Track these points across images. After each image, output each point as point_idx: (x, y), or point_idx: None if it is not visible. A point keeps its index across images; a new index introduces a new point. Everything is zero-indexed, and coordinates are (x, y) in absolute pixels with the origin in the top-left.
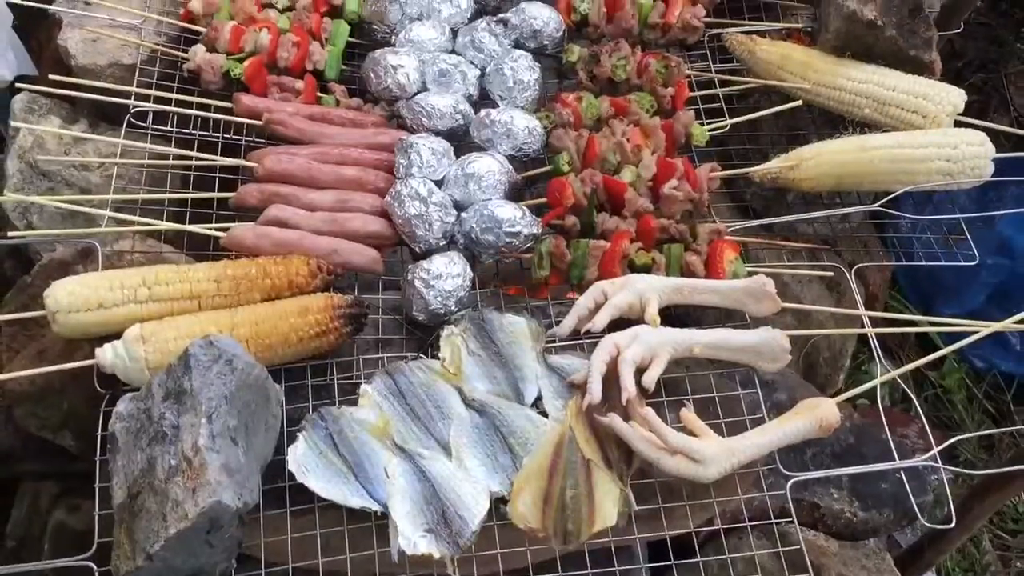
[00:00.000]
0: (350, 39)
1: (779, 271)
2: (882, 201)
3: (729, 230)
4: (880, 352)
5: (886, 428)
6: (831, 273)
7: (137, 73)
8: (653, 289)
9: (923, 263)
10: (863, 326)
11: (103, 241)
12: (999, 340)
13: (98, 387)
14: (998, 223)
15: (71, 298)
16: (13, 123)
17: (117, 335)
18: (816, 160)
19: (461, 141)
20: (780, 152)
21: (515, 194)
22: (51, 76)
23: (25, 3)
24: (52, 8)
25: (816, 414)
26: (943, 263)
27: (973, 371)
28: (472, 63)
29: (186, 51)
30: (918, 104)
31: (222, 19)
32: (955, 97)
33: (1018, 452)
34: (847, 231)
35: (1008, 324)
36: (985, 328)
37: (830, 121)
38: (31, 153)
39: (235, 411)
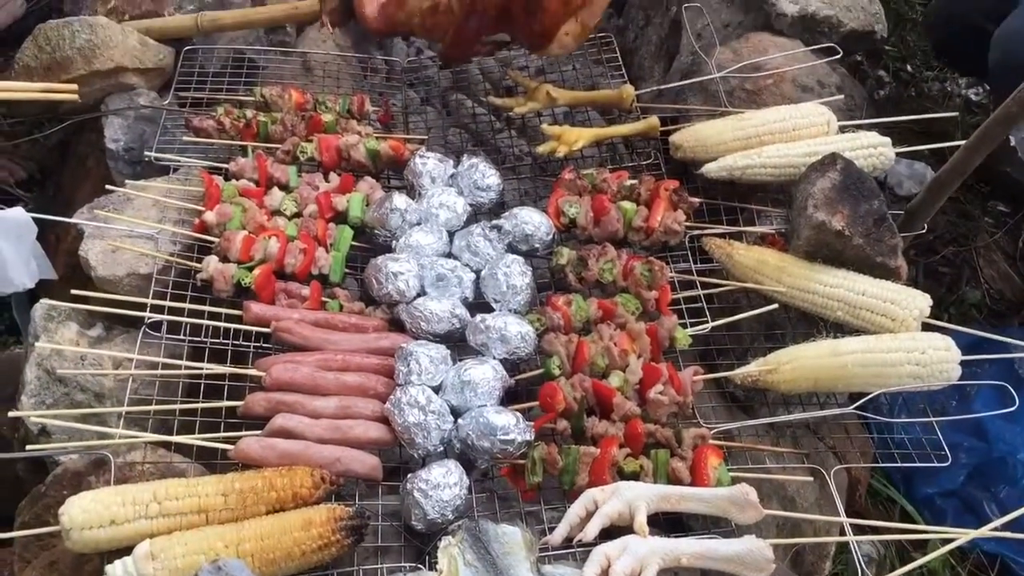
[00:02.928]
0: (353, 242)
1: (761, 476)
2: (856, 404)
3: (713, 432)
4: (861, 559)
5: None
6: (811, 478)
7: (153, 283)
8: (641, 498)
9: (898, 464)
10: (844, 531)
11: (116, 451)
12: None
13: None
14: (973, 405)
15: (85, 515)
16: (33, 331)
17: (127, 549)
18: (792, 365)
19: (458, 342)
20: (760, 350)
21: (508, 396)
22: (73, 292)
23: (48, 218)
24: (74, 220)
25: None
26: (917, 464)
27: (958, 550)
28: (468, 266)
29: (199, 260)
30: (887, 308)
31: (234, 229)
32: (921, 302)
33: None
34: (829, 417)
35: (984, 531)
36: (963, 535)
37: (806, 319)
38: (49, 361)
39: None
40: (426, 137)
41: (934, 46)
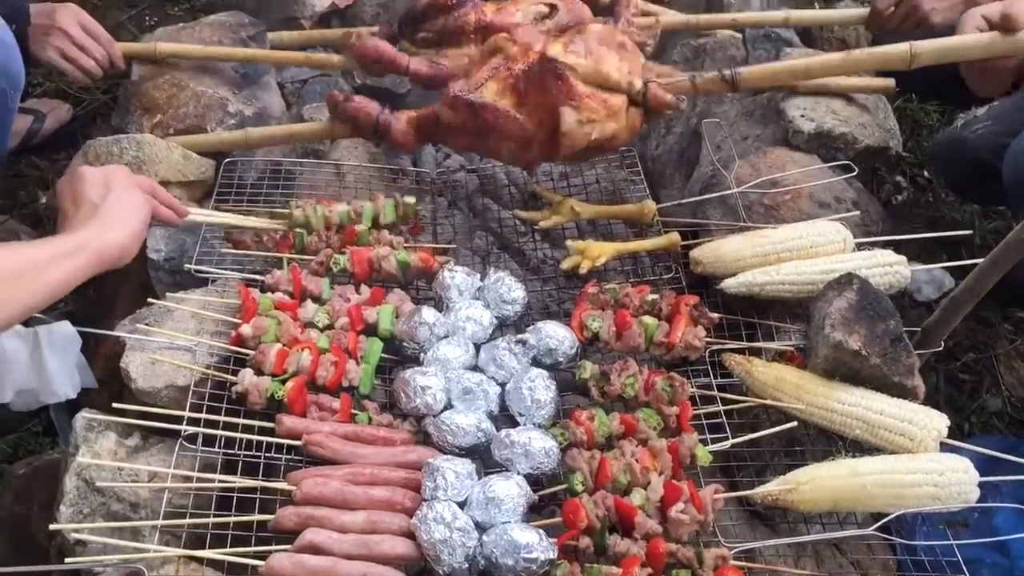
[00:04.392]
0: (382, 354)
1: None
2: (876, 526)
3: (733, 552)
4: None
5: None
6: None
7: (190, 395)
8: None
9: None
10: None
11: (150, 565)
12: None
13: None
14: (994, 519)
15: None
16: (74, 441)
17: None
18: (811, 485)
19: (483, 455)
20: (779, 466)
21: (531, 508)
22: (114, 405)
23: (93, 331)
24: (116, 333)
25: None
26: None
27: None
28: (493, 379)
29: (235, 372)
30: (905, 428)
31: (268, 342)
32: (939, 422)
33: None
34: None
35: None
36: None
37: (825, 435)
38: (88, 471)
39: None
40: (453, 246)
41: (944, 180)
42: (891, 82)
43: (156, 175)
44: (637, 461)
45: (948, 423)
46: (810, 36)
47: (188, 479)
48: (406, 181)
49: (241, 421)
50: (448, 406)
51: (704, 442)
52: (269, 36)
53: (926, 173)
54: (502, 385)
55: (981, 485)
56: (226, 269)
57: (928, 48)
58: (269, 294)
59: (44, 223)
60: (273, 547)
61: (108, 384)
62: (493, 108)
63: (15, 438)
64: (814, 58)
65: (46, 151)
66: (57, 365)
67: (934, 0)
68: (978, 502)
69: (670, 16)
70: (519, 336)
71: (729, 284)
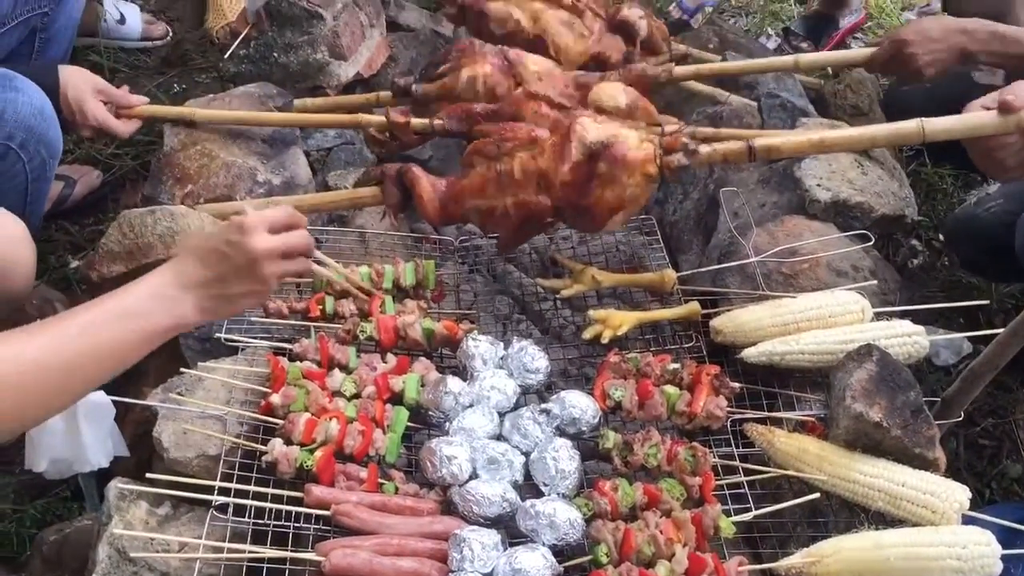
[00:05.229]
0: (408, 423)
1: None
2: None
3: None
4: None
5: None
6: None
7: (221, 464)
8: None
9: None
10: None
11: None
12: None
13: None
14: None
15: None
16: (107, 511)
17: None
18: (835, 557)
19: (508, 525)
20: (802, 537)
21: None
22: (148, 475)
23: (126, 400)
24: (149, 403)
25: None
26: None
27: None
28: (518, 448)
29: (264, 441)
30: (927, 500)
31: (297, 410)
32: (960, 495)
33: None
34: None
35: None
36: None
37: (848, 506)
38: (120, 541)
39: None
40: (475, 311)
41: (959, 257)
42: None
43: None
44: (661, 532)
45: (969, 495)
46: (824, 103)
47: (218, 549)
48: (428, 247)
49: (271, 491)
50: (473, 475)
51: (727, 513)
52: (295, 103)
53: (941, 237)
54: (526, 454)
55: (1003, 557)
56: (255, 337)
57: (939, 126)
58: (297, 363)
59: (75, 288)
60: None
61: (136, 451)
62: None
63: (44, 503)
64: (831, 132)
65: (76, 216)
66: (92, 434)
67: (926, 53)
68: (1001, 574)
69: (681, 68)
70: (543, 405)
71: (750, 354)
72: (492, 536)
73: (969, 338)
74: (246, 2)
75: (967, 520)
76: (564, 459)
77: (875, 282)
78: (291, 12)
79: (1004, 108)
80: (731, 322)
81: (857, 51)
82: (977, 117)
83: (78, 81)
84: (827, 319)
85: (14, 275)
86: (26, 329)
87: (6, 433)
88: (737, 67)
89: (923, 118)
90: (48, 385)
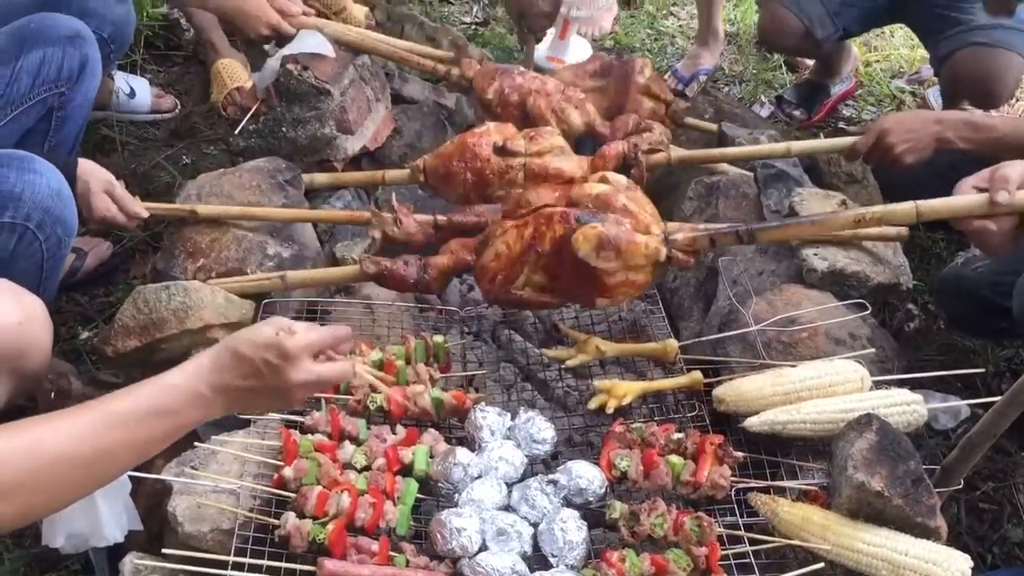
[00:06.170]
0: (417, 494)
1: None
2: None
3: None
4: None
5: None
6: None
7: (235, 539)
8: None
9: None
10: None
11: None
12: None
13: None
14: None
15: None
16: None
17: None
18: None
19: None
20: None
21: None
22: (164, 551)
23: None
24: (164, 477)
25: None
26: None
27: None
28: (526, 519)
29: (276, 515)
30: (929, 569)
31: (309, 483)
32: (962, 563)
33: None
34: None
35: None
36: None
37: (852, 575)
38: None
39: None
40: (482, 372)
41: (947, 316)
42: (904, 231)
43: (201, 319)
44: None
45: (971, 564)
46: (819, 172)
47: None
48: (433, 315)
49: (284, 565)
50: (483, 547)
51: None
52: (304, 178)
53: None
54: (534, 525)
55: None
56: None
57: (931, 207)
58: (309, 435)
59: (85, 358)
60: None
61: (148, 524)
62: (529, 300)
63: None
64: (826, 218)
65: (86, 287)
66: (108, 509)
67: (904, 142)
68: None
69: (678, 151)
70: (550, 476)
71: (752, 423)
72: None
73: (967, 387)
74: (255, 79)
75: None
76: (572, 530)
77: (873, 350)
78: (300, 88)
79: (994, 204)
80: (733, 391)
81: (844, 139)
82: (967, 200)
83: (89, 178)
84: (827, 388)
85: (32, 355)
86: (47, 418)
87: (21, 523)
88: (735, 154)
89: (917, 201)
90: (71, 478)
